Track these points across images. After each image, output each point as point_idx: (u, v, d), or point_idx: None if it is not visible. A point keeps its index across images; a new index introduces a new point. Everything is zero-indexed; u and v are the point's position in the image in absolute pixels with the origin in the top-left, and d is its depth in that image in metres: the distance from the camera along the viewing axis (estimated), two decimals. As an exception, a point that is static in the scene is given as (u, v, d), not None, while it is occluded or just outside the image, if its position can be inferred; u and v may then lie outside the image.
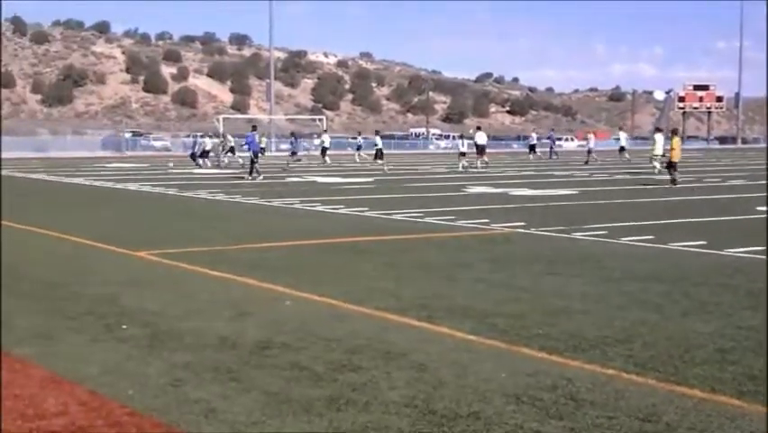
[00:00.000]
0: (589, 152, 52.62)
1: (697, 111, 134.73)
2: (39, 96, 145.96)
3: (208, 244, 14.50)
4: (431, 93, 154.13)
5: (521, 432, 5.39)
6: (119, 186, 30.84)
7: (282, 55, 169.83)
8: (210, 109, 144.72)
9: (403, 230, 16.64)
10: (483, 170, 41.66)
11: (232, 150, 47.63)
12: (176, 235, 16.16)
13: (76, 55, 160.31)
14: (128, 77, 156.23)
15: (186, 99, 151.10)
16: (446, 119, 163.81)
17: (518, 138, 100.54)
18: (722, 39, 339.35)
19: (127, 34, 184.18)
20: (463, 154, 43.67)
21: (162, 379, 6.44)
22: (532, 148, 60.45)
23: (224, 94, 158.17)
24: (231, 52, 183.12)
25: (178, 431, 5.41)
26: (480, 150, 45.20)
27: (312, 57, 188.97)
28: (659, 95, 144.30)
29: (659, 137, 35.32)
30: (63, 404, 5.79)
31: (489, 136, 54.43)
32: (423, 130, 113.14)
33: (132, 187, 30.21)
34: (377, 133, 49.09)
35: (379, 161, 44.74)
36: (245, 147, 37.17)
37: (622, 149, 53.43)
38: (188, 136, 51.39)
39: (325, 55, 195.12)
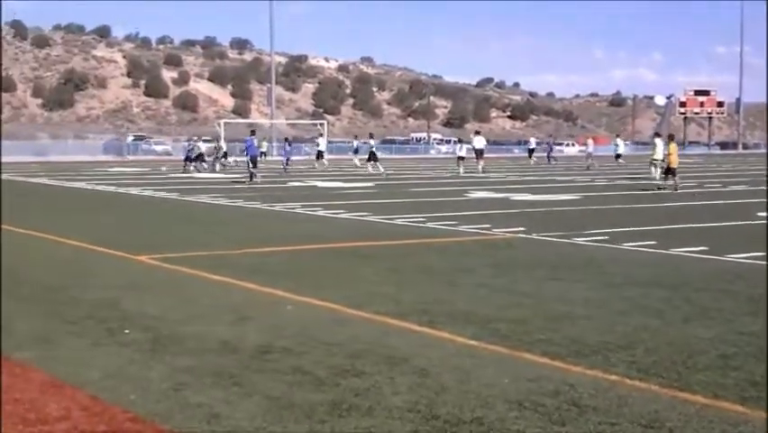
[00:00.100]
0: (588, 156, 53.06)
1: (698, 116, 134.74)
2: (39, 101, 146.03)
3: (209, 248, 14.49)
4: (432, 97, 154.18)
5: (524, 438, 5.38)
6: (121, 190, 30.84)
7: (283, 59, 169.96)
8: (211, 113, 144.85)
9: (404, 235, 16.63)
10: (483, 174, 41.68)
11: (225, 155, 47.92)
12: (177, 240, 16.15)
13: (77, 59, 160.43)
14: (129, 81, 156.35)
15: (187, 103, 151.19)
16: (447, 124, 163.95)
17: (519, 143, 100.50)
18: (723, 44, 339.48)
19: (128, 38, 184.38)
20: (462, 159, 43.72)
21: (164, 383, 6.43)
22: (531, 152, 61.23)
23: (224, 98, 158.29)
24: (232, 57, 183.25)
25: (179, 436, 5.40)
26: (479, 154, 45.47)
27: (313, 61, 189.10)
28: (660, 100, 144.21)
29: (659, 142, 35.35)
30: (65, 409, 5.77)
31: (489, 141, 54.70)
32: (424, 135, 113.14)
33: (134, 191, 30.22)
34: (370, 136, 49.17)
35: (371, 166, 44.43)
36: (245, 152, 37.25)
37: (618, 156, 54.13)
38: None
39: (326, 59, 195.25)
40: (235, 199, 25.59)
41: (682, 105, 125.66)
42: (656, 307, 9.38)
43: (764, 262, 12.54)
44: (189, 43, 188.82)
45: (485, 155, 46.90)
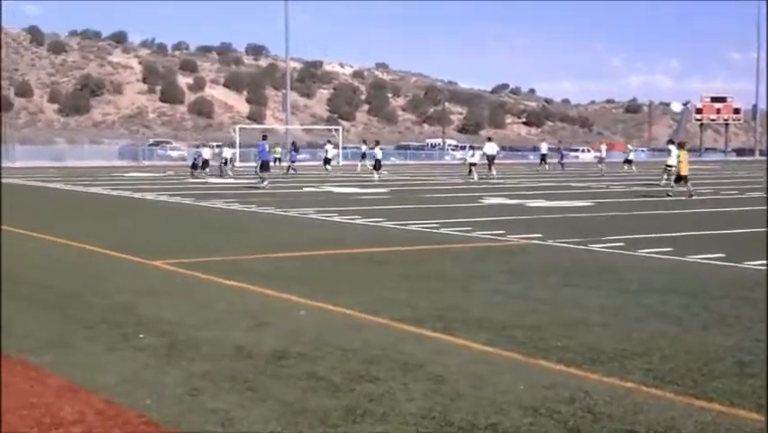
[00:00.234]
0: (600, 161, 53.53)
1: (714, 123, 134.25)
2: (56, 106, 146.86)
3: (224, 253, 14.50)
4: (447, 104, 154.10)
5: (539, 445, 5.36)
6: (136, 195, 30.94)
7: (298, 65, 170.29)
8: (226, 119, 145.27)
9: (419, 241, 16.61)
10: (497, 180, 41.66)
11: (226, 162, 48.28)
12: (192, 245, 16.17)
13: (93, 65, 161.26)
14: (145, 86, 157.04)
15: (202, 109, 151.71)
16: (462, 130, 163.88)
17: (534, 149, 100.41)
18: (739, 50, 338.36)
19: (144, 44, 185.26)
20: (474, 165, 43.72)
21: (179, 388, 6.43)
22: (543, 158, 61.65)
23: (240, 104, 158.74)
24: (247, 62, 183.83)
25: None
26: (491, 161, 45.73)
27: (328, 67, 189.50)
28: (676, 106, 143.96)
29: (673, 149, 35.28)
30: (80, 413, 5.78)
31: (505, 147, 54.88)
32: (439, 141, 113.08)
33: (150, 196, 30.31)
34: (376, 143, 49.23)
35: (377, 174, 44.43)
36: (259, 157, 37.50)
37: (629, 162, 54.92)
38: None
39: (341, 65, 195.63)
40: (249, 205, 25.63)
41: (699, 111, 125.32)
42: (673, 314, 9.33)
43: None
44: (205, 49, 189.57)
45: (496, 161, 47.09)
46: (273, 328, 8.54)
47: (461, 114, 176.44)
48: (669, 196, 29.60)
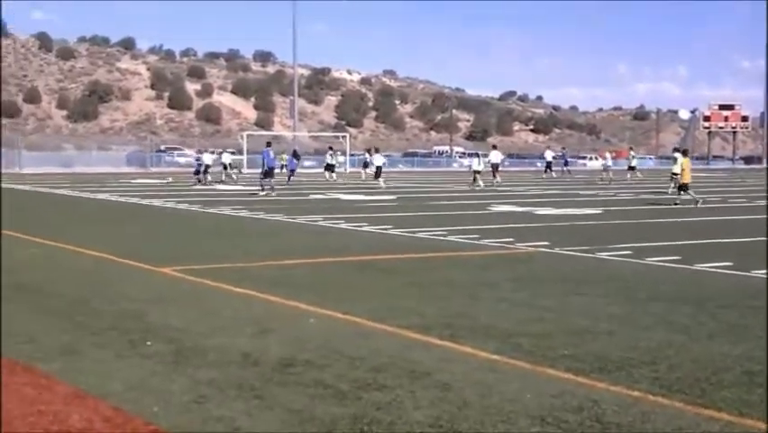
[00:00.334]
0: (605, 169, 53.72)
1: (722, 131, 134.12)
2: (64, 112, 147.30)
3: (232, 260, 14.51)
4: (454, 111, 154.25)
5: (547, 454, 5.35)
6: (144, 202, 30.98)
7: (306, 72, 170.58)
8: (234, 126, 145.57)
9: (427, 248, 16.60)
10: (505, 188, 41.68)
11: (225, 168, 48.53)
12: (200, 252, 16.17)
13: (101, 71, 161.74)
14: (153, 93, 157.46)
15: (210, 116, 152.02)
16: (470, 137, 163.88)
17: (541, 157, 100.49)
18: (747, 58, 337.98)
19: (152, 51, 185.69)
20: (478, 172, 43.82)
21: (186, 396, 6.44)
22: (548, 166, 62.13)
23: (247, 110, 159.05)
24: (255, 69, 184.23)
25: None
26: (495, 168, 46.46)
27: (335, 74, 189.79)
28: (684, 114, 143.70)
29: (679, 156, 35.26)
30: (87, 420, 5.79)
31: (512, 155, 55.06)
32: (446, 148, 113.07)
33: (157, 203, 30.35)
34: (376, 150, 49.24)
35: (379, 180, 44.47)
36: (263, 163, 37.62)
37: (632, 168, 55.15)
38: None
39: (349, 72, 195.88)
40: (257, 212, 25.65)
41: (707, 119, 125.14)
42: (681, 322, 9.32)
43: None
44: (213, 56, 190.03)
45: (501, 169, 47.58)
46: (280, 336, 8.54)
47: (468, 121, 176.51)
48: (677, 204, 29.56)
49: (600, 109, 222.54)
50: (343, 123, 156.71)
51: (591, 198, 34.45)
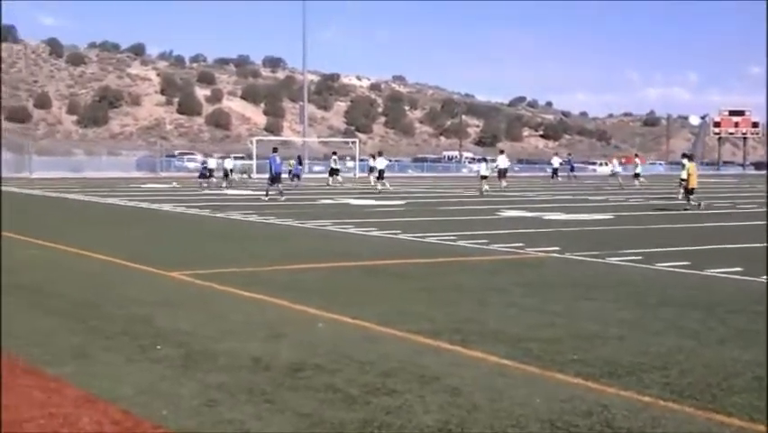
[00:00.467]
0: (613, 174, 54.18)
1: (732, 136, 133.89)
2: (74, 117, 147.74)
3: (241, 264, 14.53)
4: (464, 116, 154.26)
5: (557, 459, 5.33)
6: (153, 206, 31.04)
7: (315, 78, 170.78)
8: (244, 131, 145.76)
9: (436, 253, 16.59)
10: (515, 193, 41.69)
11: (226, 174, 48.76)
12: (209, 256, 16.19)
13: (111, 77, 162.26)
14: (163, 98, 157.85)
15: (219, 121, 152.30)
16: (479, 143, 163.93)
17: (550, 163, 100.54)
18: (757, 64, 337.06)
19: (162, 56, 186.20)
20: (485, 177, 43.85)
21: (196, 400, 6.44)
22: (555, 172, 63.39)
23: (257, 116, 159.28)
24: (265, 75, 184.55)
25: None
26: (501, 173, 46.79)
27: (345, 80, 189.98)
28: (694, 120, 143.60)
29: (686, 162, 35.23)
30: (97, 423, 5.80)
31: (522, 160, 55.27)
32: (456, 153, 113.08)
33: (167, 207, 30.41)
34: (380, 154, 49.34)
35: (382, 184, 44.62)
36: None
37: (637, 175, 55.86)
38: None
39: (358, 78, 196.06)
40: (267, 216, 25.67)
41: (717, 125, 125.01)
42: (691, 328, 9.29)
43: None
44: (223, 61, 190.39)
45: (509, 174, 47.84)
46: (290, 340, 8.54)
47: (477, 126, 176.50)
48: (686, 210, 29.51)
49: (610, 115, 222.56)
50: (353, 128, 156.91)
51: (601, 204, 34.41)
